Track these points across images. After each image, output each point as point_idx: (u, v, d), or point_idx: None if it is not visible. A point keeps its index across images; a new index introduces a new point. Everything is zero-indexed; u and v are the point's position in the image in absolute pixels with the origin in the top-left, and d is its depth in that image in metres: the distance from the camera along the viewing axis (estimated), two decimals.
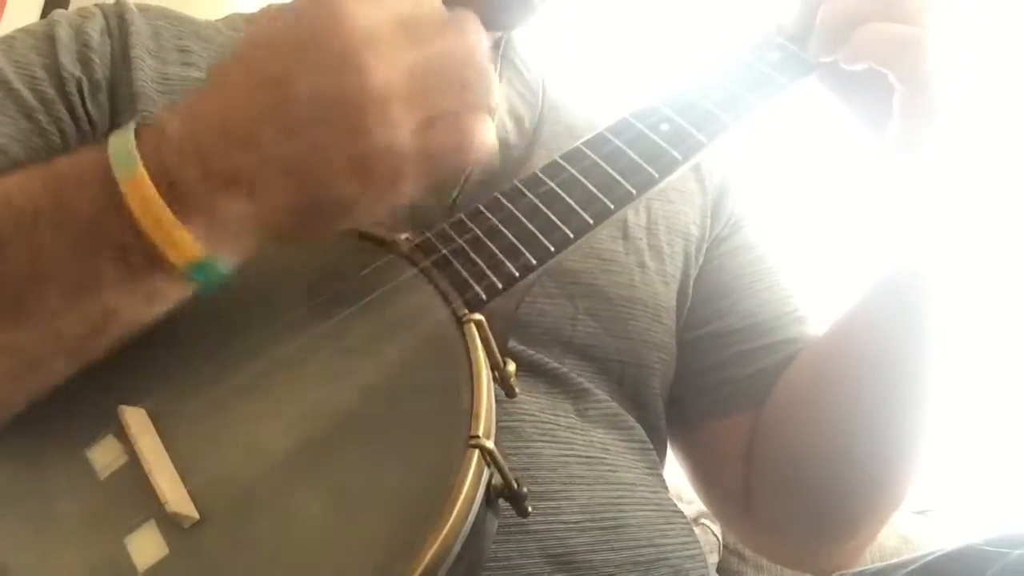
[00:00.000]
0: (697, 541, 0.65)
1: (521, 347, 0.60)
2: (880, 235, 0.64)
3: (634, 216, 0.70)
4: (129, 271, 0.41)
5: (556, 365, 0.61)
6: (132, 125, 0.42)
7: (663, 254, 0.70)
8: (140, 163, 0.40)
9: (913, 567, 0.55)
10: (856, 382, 0.64)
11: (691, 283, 0.72)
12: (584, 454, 0.60)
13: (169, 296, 0.42)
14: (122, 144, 0.41)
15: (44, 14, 1.69)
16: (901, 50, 0.52)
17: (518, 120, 0.69)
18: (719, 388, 0.71)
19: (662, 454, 0.68)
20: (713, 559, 1.26)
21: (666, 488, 0.67)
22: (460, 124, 0.42)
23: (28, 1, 1.70)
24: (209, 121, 0.41)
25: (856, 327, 0.65)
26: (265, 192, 0.41)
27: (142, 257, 0.40)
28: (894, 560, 0.58)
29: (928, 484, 1.40)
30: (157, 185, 0.40)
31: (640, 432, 0.65)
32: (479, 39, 0.43)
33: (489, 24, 0.68)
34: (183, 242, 0.40)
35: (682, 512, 0.65)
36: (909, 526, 1.39)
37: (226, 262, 0.42)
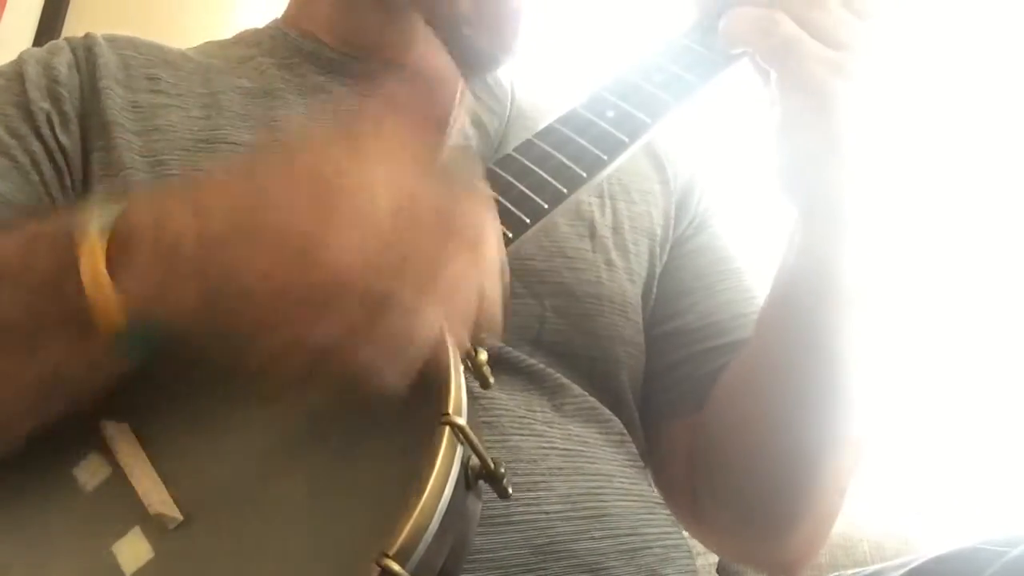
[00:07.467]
0: (680, 531, 0.66)
1: (493, 344, 0.61)
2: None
3: (600, 216, 0.71)
4: (74, 332, 0.41)
5: (531, 362, 0.62)
6: (108, 197, 0.43)
7: (629, 253, 0.71)
8: (103, 228, 0.40)
9: (912, 567, 0.55)
10: (767, 381, 0.64)
11: (655, 282, 0.72)
12: (562, 447, 0.60)
13: (106, 363, 0.42)
14: (97, 210, 0.41)
15: (44, 14, 1.69)
16: (757, 30, 0.54)
17: (481, 128, 0.70)
18: (675, 387, 0.71)
19: (640, 447, 0.68)
20: (713, 559, 1.26)
21: (647, 480, 0.67)
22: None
23: (28, 2, 1.69)
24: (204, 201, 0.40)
25: (760, 328, 0.66)
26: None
27: (85, 320, 0.40)
28: (893, 560, 0.57)
29: (928, 484, 1.39)
30: (110, 249, 0.40)
31: (618, 425, 0.66)
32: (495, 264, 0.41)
33: (461, 71, 0.68)
34: (111, 308, 0.39)
35: (664, 503, 0.66)
36: (909, 526, 1.38)
37: (156, 336, 0.41)
